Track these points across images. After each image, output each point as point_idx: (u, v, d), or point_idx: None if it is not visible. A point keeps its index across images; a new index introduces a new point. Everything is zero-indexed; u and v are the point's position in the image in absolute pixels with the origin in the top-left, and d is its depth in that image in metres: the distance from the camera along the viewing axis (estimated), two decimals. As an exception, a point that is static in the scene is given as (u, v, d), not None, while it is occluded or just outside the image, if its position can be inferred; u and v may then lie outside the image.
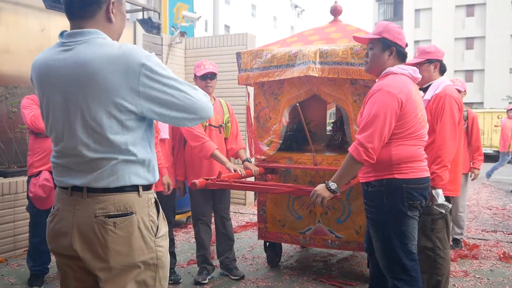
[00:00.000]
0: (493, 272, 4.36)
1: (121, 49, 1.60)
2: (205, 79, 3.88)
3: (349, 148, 2.59)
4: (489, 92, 34.06)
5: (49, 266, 3.97)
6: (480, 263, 4.63)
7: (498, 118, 18.18)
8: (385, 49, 2.66)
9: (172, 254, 4.30)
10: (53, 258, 4.28)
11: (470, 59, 35.65)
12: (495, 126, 18.18)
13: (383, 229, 2.62)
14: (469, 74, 35.91)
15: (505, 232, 6.05)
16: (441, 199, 3.00)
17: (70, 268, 1.73)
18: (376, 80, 3.00)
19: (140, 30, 6.78)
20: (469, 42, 35.98)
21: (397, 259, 2.60)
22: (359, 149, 2.50)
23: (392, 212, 2.57)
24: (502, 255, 4.81)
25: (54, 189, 3.60)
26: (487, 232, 6.08)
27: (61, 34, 1.69)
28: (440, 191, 3.00)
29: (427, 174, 2.66)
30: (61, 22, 5.30)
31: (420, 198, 2.60)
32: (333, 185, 2.63)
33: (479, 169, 4.89)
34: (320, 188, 2.66)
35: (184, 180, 4.14)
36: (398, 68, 2.62)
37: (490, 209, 7.78)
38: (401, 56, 2.69)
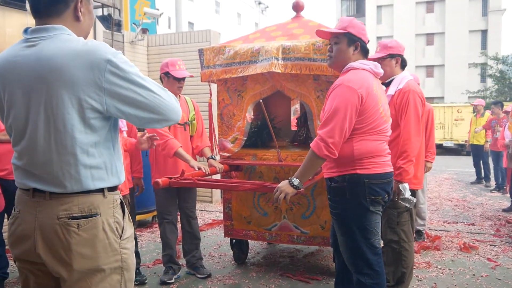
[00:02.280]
0: (454, 262, 4.48)
1: (87, 45, 1.55)
2: (179, 81, 3.85)
3: (310, 144, 2.59)
4: (449, 86, 35.09)
5: (8, 271, 3.83)
6: (442, 254, 4.75)
7: (458, 112, 18.74)
8: (350, 44, 2.65)
9: (137, 254, 4.23)
10: (11, 261, 4.14)
11: (430, 55, 36.61)
12: (455, 120, 18.73)
13: (347, 224, 2.63)
14: (429, 70, 36.90)
15: (465, 223, 6.23)
16: (407, 193, 3.05)
17: (32, 274, 1.66)
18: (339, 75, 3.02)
19: (100, 27, 6.62)
20: (430, 38, 36.94)
21: (361, 254, 2.62)
22: (320, 144, 2.50)
23: (355, 207, 2.59)
24: (462, 246, 4.95)
25: (1, 194, 3.50)
26: (448, 223, 6.24)
27: (25, 31, 1.62)
28: (406, 185, 3.05)
29: (390, 169, 2.69)
30: (17, 19, 5.11)
31: (383, 193, 2.62)
32: (296, 181, 2.62)
33: (431, 162, 4.99)
34: (283, 184, 2.65)
35: (141, 176, 4.10)
36: (359, 63, 2.63)
37: (451, 201, 8.00)
38: (364, 52, 2.70)
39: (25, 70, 1.56)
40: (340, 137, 2.49)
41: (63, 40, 1.56)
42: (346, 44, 2.65)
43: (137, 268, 3.93)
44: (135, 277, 4.17)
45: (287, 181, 2.65)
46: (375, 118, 2.56)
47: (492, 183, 9.56)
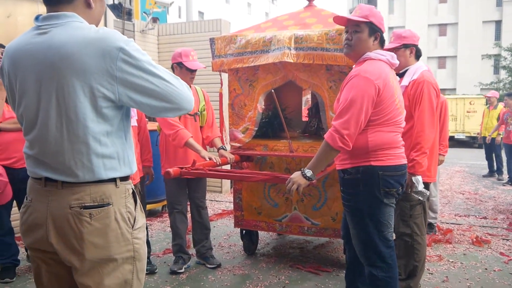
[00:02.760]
0: (466, 256, 4.43)
1: (99, 32, 1.52)
2: (192, 72, 3.82)
3: (324, 135, 2.54)
4: (461, 78, 34.72)
5: (19, 258, 3.86)
6: (454, 247, 4.70)
7: (471, 104, 18.52)
8: (371, 34, 2.58)
9: (147, 244, 4.24)
10: (22, 249, 4.18)
11: (443, 46, 36.19)
12: (467, 112, 18.52)
13: (360, 217, 2.60)
14: (442, 61, 36.52)
15: (477, 217, 6.17)
16: (420, 186, 3.00)
17: (43, 262, 1.66)
18: (353, 66, 2.97)
19: (110, 16, 6.60)
20: (442, 28, 36.52)
21: (374, 247, 2.59)
22: (334, 136, 2.46)
23: (368, 200, 2.55)
24: (474, 239, 4.90)
25: (9, 183, 3.51)
26: (460, 216, 6.18)
27: (37, 18, 1.60)
28: (420, 178, 3.00)
29: (404, 161, 2.64)
30: (29, 8, 5.11)
31: (397, 186, 2.58)
32: (308, 172, 2.58)
33: (444, 155, 4.92)
34: (296, 175, 2.62)
35: (151, 165, 4.09)
36: (376, 53, 2.57)
37: (463, 194, 7.92)
38: (382, 43, 2.65)
39: (36, 58, 1.54)
40: (356, 129, 2.45)
41: (74, 27, 1.54)
42: (367, 33, 2.57)
43: (148, 258, 3.95)
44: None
45: (299, 172, 2.61)
46: (391, 109, 2.52)
47: (505, 176, 9.43)
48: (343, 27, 3.46)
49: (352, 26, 2.60)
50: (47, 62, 1.52)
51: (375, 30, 2.58)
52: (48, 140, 1.56)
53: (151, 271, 3.88)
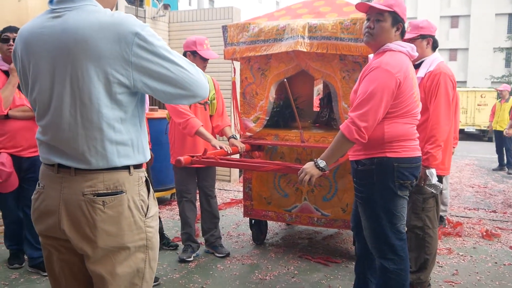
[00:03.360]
0: (476, 249, 4.40)
1: (114, 16, 1.49)
2: (205, 61, 3.80)
3: (340, 126, 2.50)
4: (472, 71, 34.39)
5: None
6: (463, 240, 4.67)
7: (482, 97, 18.36)
8: (394, 24, 2.52)
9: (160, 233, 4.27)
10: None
11: (454, 38, 35.82)
12: (478, 105, 18.37)
13: (373, 208, 2.57)
14: (453, 53, 36.16)
15: (487, 210, 6.13)
16: (434, 179, 2.97)
17: (55, 249, 1.65)
18: (369, 56, 2.93)
19: (122, 2, 6.57)
20: (454, 20, 36.11)
21: (386, 239, 2.57)
22: (351, 127, 2.42)
23: (382, 191, 2.52)
24: (484, 233, 4.86)
25: (12, 173, 3.49)
26: (469, 210, 6.14)
27: (51, 1, 1.57)
28: (433, 170, 2.97)
29: (419, 153, 2.61)
30: (39, -8, 5.08)
31: (411, 178, 2.55)
32: (322, 163, 2.55)
33: (454, 147, 4.87)
34: (309, 166, 2.58)
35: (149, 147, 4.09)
36: (397, 45, 2.51)
37: (472, 187, 7.87)
38: (403, 34, 2.59)
39: (50, 42, 1.51)
40: (374, 122, 2.41)
41: (89, 11, 1.51)
42: (390, 23, 2.51)
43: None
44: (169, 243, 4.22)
45: (312, 162, 2.58)
46: (409, 102, 2.48)
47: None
48: (358, 17, 3.45)
49: (375, 14, 2.52)
50: (61, 46, 1.49)
51: (398, 21, 2.52)
52: (61, 126, 1.54)
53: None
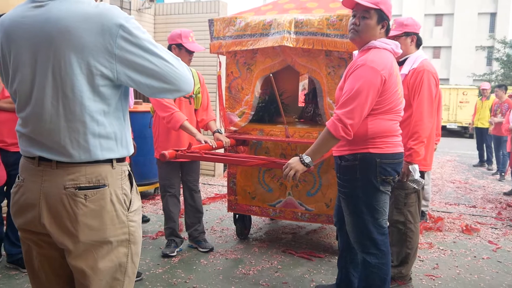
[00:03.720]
0: (456, 244, 4.48)
1: (98, 8, 1.47)
2: (191, 53, 3.78)
3: (326, 123, 2.51)
4: (455, 69, 34.81)
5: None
6: (444, 235, 4.75)
7: (464, 95, 18.62)
8: (379, 21, 2.53)
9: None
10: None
11: (438, 36, 36.18)
12: (460, 102, 18.63)
13: (355, 204, 2.60)
14: (436, 51, 36.54)
15: (467, 205, 6.24)
16: (417, 175, 3.01)
17: (35, 244, 1.62)
18: (354, 53, 2.95)
19: (106, -7, 6.48)
20: (438, 18, 36.46)
21: (368, 234, 2.60)
22: (337, 125, 2.43)
23: (365, 187, 2.55)
24: (464, 228, 4.95)
25: (3, 166, 3.41)
26: (450, 205, 6.24)
27: None
28: (416, 166, 3.01)
29: (401, 149, 2.64)
30: (22, -19, 4.98)
31: (393, 173, 2.58)
32: (307, 159, 2.56)
33: (436, 143, 4.93)
34: (294, 161, 2.59)
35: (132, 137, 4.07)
36: (381, 42, 2.52)
37: (453, 183, 7.99)
38: (387, 31, 2.61)
39: (32, 32, 1.49)
40: (360, 119, 2.43)
41: (73, 1, 1.49)
42: (375, 20, 2.52)
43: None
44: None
45: (297, 158, 2.59)
46: (393, 99, 2.51)
47: (494, 166, 9.52)
48: (344, 13, 3.46)
49: (361, 11, 2.53)
50: (43, 36, 1.47)
51: (383, 18, 2.54)
52: (42, 118, 1.51)
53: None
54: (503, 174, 8.52)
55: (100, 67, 1.47)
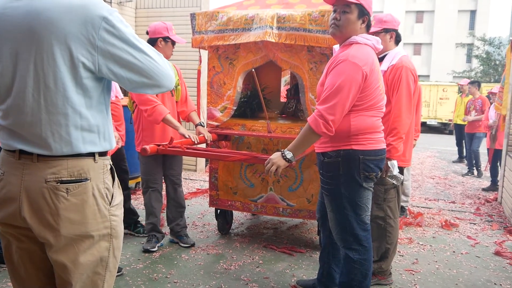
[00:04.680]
0: (435, 239, 4.54)
1: None
2: (174, 45, 3.78)
3: (308, 119, 2.51)
4: (435, 65, 35.27)
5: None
6: (424, 230, 4.81)
7: (444, 91, 18.86)
8: (360, 16, 2.53)
9: (132, 211, 4.22)
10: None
11: (419, 33, 36.58)
12: (440, 98, 18.87)
13: (338, 200, 2.61)
14: (417, 47, 36.96)
15: (446, 201, 6.33)
16: (396, 171, 3.03)
17: (14, 238, 1.60)
18: (334, 47, 2.94)
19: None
20: (419, 15, 36.85)
21: (351, 229, 2.62)
22: (318, 121, 2.43)
23: (348, 183, 2.56)
24: (444, 223, 5.02)
25: None
26: (430, 200, 6.32)
27: None
28: (395, 162, 3.03)
29: (383, 145, 2.66)
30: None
31: (376, 170, 2.60)
32: (288, 154, 2.57)
33: (416, 139, 4.98)
34: (276, 156, 2.60)
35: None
36: (362, 38, 2.53)
37: (433, 179, 8.10)
38: (368, 27, 2.61)
39: (13, 23, 1.46)
40: (341, 115, 2.44)
41: None
42: (356, 15, 2.52)
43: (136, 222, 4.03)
44: (136, 228, 4.17)
45: (279, 153, 2.60)
46: (375, 95, 2.52)
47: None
48: (326, 8, 3.47)
49: (341, 6, 2.53)
50: (25, 27, 1.45)
51: (364, 13, 2.54)
52: (23, 110, 1.49)
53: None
54: (479, 169, 8.49)
55: (82, 58, 1.46)
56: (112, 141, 1.64)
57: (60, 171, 1.50)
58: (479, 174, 8.48)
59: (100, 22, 1.45)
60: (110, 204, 1.60)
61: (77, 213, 1.52)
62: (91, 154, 1.56)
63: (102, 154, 1.60)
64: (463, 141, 10.04)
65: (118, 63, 1.49)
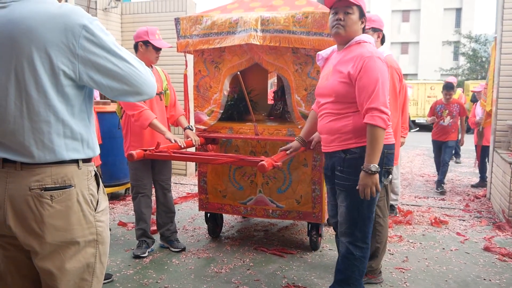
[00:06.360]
0: (425, 236, 4.57)
1: (62, 8, 1.48)
2: (158, 51, 3.77)
3: (369, 121, 2.46)
4: (423, 64, 35.53)
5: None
6: (414, 228, 4.84)
7: (431, 89, 19.01)
8: (360, 17, 2.60)
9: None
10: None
11: (406, 32, 36.85)
12: (428, 96, 19.02)
13: (357, 196, 2.57)
14: (404, 46, 37.21)
15: (436, 198, 6.37)
16: None
17: (0, 247, 1.60)
18: (320, 53, 2.94)
19: (71, -8, 6.36)
20: (405, 14, 37.12)
21: (362, 226, 2.63)
22: (383, 117, 2.44)
23: None
24: (433, 220, 5.06)
25: None
26: (419, 198, 6.36)
27: None
28: None
29: (394, 139, 2.74)
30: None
31: (392, 164, 2.65)
32: (373, 167, 2.48)
33: (404, 137, 5.01)
34: (364, 179, 2.49)
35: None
36: (367, 37, 2.60)
37: (423, 176, 8.15)
38: (363, 28, 2.68)
39: None
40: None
41: (36, 1, 1.49)
42: (358, 16, 2.58)
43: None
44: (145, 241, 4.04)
45: (363, 173, 2.49)
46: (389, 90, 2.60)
47: (468, 160, 9.71)
48: (310, 10, 3.49)
49: (343, 7, 2.57)
50: (6, 35, 1.46)
51: (362, 14, 2.61)
52: (6, 119, 1.49)
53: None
54: (442, 185, 6.87)
55: (62, 66, 1.47)
56: (95, 148, 1.65)
57: (44, 178, 1.50)
58: (443, 193, 6.77)
59: (80, 31, 1.46)
60: (95, 210, 1.61)
61: (62, 219, 1.52)
62: (75, 161, 1.56)
63: (86, 160, 1.61)
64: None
65: (98, 71, 1.50)
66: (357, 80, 2.50)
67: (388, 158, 2.62)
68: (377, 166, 2.48)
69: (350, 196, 2.64)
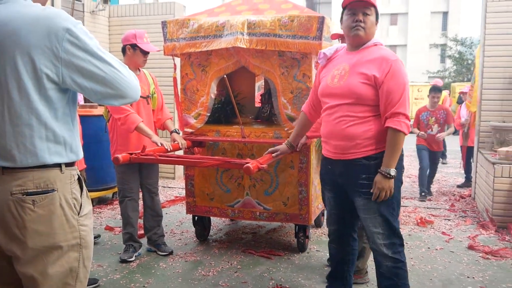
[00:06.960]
0: (411, 236, 4.62)
1: (45, 11, 1.48)
2: (145, 54, 3.77)
3: (395, 126, 2.44)
4: (410, 66, 35.75)
5: None
6: (400, 228, 4.85)
7: (419, 91, 19.20)
8: (376, 18, 2.60)
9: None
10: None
11: (394, 35, 37.14)
12: (415, 98, 19.21)
13: (388, 202, 2.52)
14: (392, 49, 37.34)
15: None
16: None
17: None
18: (323, 51, 2.93)
19: (58, -6, 6.34)
20: (394, 18, 37.42)
21: (396, 230, 2.56)
22: (407, 123, 2.45)
23: (395, 184, 2.52)
24: (419, 220, 5.11)
25: None
26: (406, 199, 6.42)
27: None
28: None
29: None
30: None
31: (403, 168, 2.67)
32: (392, 171, 2.46)
33: None
34: (380, 182, 2.46)
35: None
36: (379, 40, 2.62)
37: (410, 177, 8.23)
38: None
39: None
40: None
41: (19, 5, 1.50)
42: (375, 17, 2.57)
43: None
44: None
45: (379, 176, 2.47)
46: None
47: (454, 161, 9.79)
48: (295, 14, 3.52)
49: (361, 7, 2.52)
50: None
51: (377, 16, 2.61)
52: None
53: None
54: (423, 194, 6.53)
55: (45, 69, 1.47)
56: (79, 152, 1.64)
57: (25, 182, 1.49)
58: (429, 195, 6.68)
59: (64, 34, 1.46)
60: (78, 214, 1.60)
61: (44, 224, 1.51)
62: (58, 165, 1.55)
63: (69, 164, 1.60)
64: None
65: (81, 74, 1.50)
66: (384, 83, 2.45)
67: (403, 160, 2.60)
68: (395, 171, 2.47)
69: (382, 204, 2.53)
